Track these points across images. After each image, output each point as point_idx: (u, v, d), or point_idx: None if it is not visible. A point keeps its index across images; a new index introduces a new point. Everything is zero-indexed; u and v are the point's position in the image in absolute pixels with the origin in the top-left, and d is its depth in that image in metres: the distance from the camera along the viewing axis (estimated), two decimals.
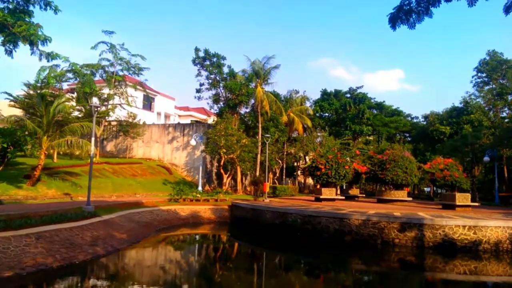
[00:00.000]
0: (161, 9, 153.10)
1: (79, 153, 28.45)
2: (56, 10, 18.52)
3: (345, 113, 51.59)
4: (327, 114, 54.09)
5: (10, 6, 17.70)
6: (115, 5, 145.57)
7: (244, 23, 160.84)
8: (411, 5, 6.17)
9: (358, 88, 54.23)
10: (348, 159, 27.57)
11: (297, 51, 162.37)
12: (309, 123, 43.58)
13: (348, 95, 54.15)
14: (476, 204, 23.80)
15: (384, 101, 56.69)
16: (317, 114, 52.41)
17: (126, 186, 27.17)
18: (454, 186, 24.06)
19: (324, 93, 54.99)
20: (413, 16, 6.23)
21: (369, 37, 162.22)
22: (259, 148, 34.36)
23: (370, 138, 55.74)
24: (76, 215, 13.00)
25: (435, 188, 49.59)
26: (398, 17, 6.28)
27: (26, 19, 17.49)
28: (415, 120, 60.93)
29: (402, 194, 27.35)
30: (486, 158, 33.25)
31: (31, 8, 18.43)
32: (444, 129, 48.64)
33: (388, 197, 27.58)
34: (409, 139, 59.78)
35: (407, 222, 14.56)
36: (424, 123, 57.07)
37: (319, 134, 48.50)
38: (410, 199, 29.64)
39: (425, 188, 62.62)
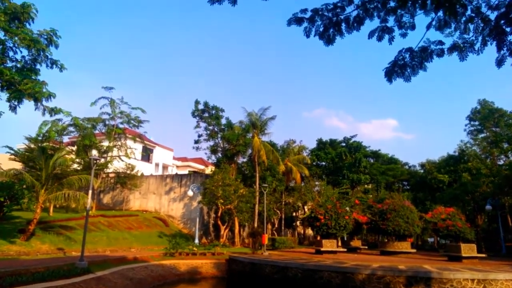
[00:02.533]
0: (160, 64, 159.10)
1: (75, 206, 28.00)
2: (61, 68, 19.27)
3: (342, 162, 51.83)
4: (324, 163, 54.32)
5: (18, 65, 18.42)
6: (117, 60, 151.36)
7: (240, 75, 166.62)
8: (405, 60, 6.46)
9: (352, 137, 55.06)
10: (347, 209, 27.25)
11: (292, 102, 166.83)
12: (306, 172, 43.59)
13: (344, 144, 54.78)
14: (483, 255, 23.14)
15: (379, 150, 57.32)
16: (314, 163, 52.59)
17: (121, 240, 26.41)
18: (458, 237, 23.57)
19: (320, 142, 55.66)
20: (408, 70, 6.49)
21: (361, 87, 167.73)
22: (257, 198, 34.01)
23: (368, 187, 55.53)
24: (68, 271, 12.51)
25: (438, 239, 48.51)
26: (394, 71, 6.54)
27: (33, 77, 18.15)
28: (412, 169, 61.16)
29: (405, 246, 26.69)
30: (488, 207, 32.93)
31: (38, 66, 19.22)
32: (443, 178, 48.67)
33: (392, 248, 26.87)
34: (407, 187, 59.56)
35: (413, 276, 14.05)
36: (422, 171, 57.22)
37: (317, 183, 48.31)
38: (414, 250, 28.89)
39: (429, 239, 61.29)
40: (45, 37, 19.05)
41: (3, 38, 17.80)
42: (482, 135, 48.98)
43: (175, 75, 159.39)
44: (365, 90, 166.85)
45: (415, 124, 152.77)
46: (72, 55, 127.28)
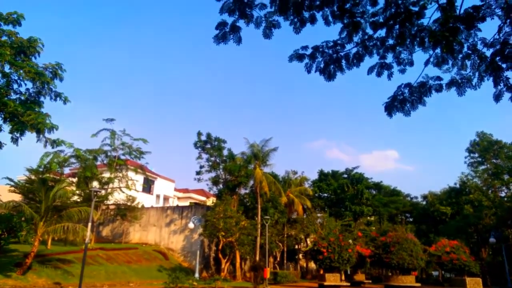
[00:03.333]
0: (162, 96, 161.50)
1: (74, 239, 27.58)
2: (65, 101, 19.64)
3: (344, 193, 51.48)
4: (326, 195, 53.93)
5: (22, 98, 18.76)
6: (119, 91, 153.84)
7: (242, 106, 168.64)
8: (405, 95, 6.60)
9: (354, 168, 54.97)
10: (350, 241, 26.80)
11: (293, 132, 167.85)
12: (308, 203, 43.18)
13: (345, 176, 54.61)
14: None
15: (381, 181, 57.06)
16: (316, 195, 52.20)
17: (119, 273, 25.79)
18: (463, 270, 23.03)
19: (322, 173, 55.52)
20: (408, 105, 6.61)
21: (361, 119, 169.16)
22: (259, 230, 33.50)
23: (371, 219, 54.83)
24: None
25: (443, 272, 47.31)
26: (394, 106, 6.65)
27: (36, 109, 18.43)
28: (414, 200, 60.67)
29: (410, 280, 26.00)
30: (492, 240, 32.40)
31: (41, 98, 19.56)
32: (445, 210, 48.19)
33: (396, 283, 26.16)
34: (410, 219, 58.81)
35: None
36: (424, 203, 56.72)
37: (319, 215, 47.73)
38: (419, 284, 28.10)
39: (433, 272, 59.78)
40: (50, 70, 19.54)
41: (8, 71, 18.26)
42: (483, 167, 48.93)
43: (178, 106, 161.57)
44: (366, 121, 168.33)
45: (416, 155, 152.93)
46: (74, 86, 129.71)
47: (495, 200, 44.32)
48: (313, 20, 5.49)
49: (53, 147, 21.49)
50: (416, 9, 6.18)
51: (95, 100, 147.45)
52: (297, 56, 5.96)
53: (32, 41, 18.56)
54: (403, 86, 6.50)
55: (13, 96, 19.11)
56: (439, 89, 6.29)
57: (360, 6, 5.73)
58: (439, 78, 6.28)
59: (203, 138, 37.41)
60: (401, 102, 6.56)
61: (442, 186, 63.20)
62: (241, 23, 5.44)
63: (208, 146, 37.58)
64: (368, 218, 53.75)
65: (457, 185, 50.85)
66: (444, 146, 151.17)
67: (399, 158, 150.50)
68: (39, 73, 18.01)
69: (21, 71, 17.95)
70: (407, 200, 59.02)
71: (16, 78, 18.72)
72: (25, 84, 18.97)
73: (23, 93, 19.26)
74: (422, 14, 6.21)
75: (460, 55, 6.39)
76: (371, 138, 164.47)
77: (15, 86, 18.94)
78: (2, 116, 18.38)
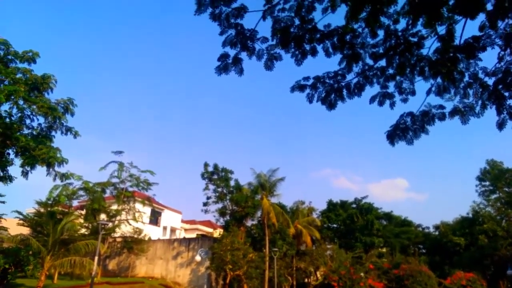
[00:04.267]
0: (168, 127, 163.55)
1: (80, 273, 27.22)
2: (75, 135, 20.05)
3: (353, 224, 50.48)
4: (335, 225, 52.92)
5: (34, 132, 19.21)
6: (126, 123, 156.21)
7: (247, 135, 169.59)
8: (407, 124, 6.64)
9: (363, 198, 54.15)
10: (362, 274, 26.06)
11: (299, 162, 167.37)
12: (317, 235, 42.29)
13: (354, 206, 53.78)
14: None
15: (391, 211, 55.97)
16: (325, 225, 51.25)
17: None
18: None
19: (330, 203, 54.78)
20: (410, 134, 6.64)
21: (367, 147, 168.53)
22: (267, 263, 32.74)
23: (382, 250, 53.38)
24: None
25: None
26: (396, 135, 6.68)
27: (47, 144, 18.81)
28: (426, 231, 59.18)
29: None
30: (510, 272, 31.23)
31: (53, 133, 20.00)
32: (459, 240, 46.85)
33: None
34: (423, 251, 57.12)
35: None
36: (436, 233, 55.29)
37: (328, 246, 46.64)
38: None
39: None
40: (62, 105, 20.09)
41: (22, 106, 18.82)
42: (495, 195, 47.92)
43: (184, 137, 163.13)
44: (373, 150, 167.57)
45: (426, 184, 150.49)
46: (82, 119, 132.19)
47: (509, 230, 43.07)
48: (314, 52, 5.66)
49: (62, 181, 21.76)
50: (416, 39, 6.34)
51: (102, 131, 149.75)
52: (299, 87, 6.12)
53: (46, 78, 19.23)
54: (405, 115, 6.56)
55: (26, 131, 19.63)
56: (442, 117, 6.34)
57: (360, 38, 5.92)
58: (441, 107, 6.35)
59: (210, 169, 37.48)
60: (403, 131, 6.58)
61: (454, 216, 61.82)
62: (243, 55, 5.64)
63: (215, 176, 37.57)
64: (380, 249, 52.33)
65: (470, 215, 49.66)
66: (454, 174, 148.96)
67: (408, 187, 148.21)
68: (51, 108, 18.53)
69: (34, 107, 18.48)
70: (419, 231, 57.58)
71: (29, 113, 19.29)
72: (38, 119, 19.50)
73: (35, 128, 19.75)
74: (422, 45, 6.36)
75: (462, 84, 6.47)
76: (379, 167, 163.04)
77: (28, 121, 19.47)
78: (14, 150, 18.79)
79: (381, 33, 5.98)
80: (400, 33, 6.24)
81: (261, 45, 5.54)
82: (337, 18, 5.74)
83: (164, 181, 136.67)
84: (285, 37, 5.35)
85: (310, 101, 6.19)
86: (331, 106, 6.30)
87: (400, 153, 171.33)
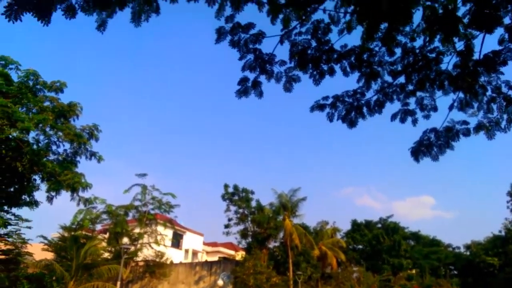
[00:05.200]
0: (191, 147, 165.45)
1: None
2: (99, 160, 20.56)
3: (380, 245, 48.93)
4: (360, 246, 51.46)
5: (60, 158, 19.82)
6: (148, 145, 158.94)
7: (268, 155, 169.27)
8: (431, 140, 6.46)
9: (388, 217, 52.70)
10: None
11: (321, 180, 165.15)
12: (342, 257, 41.12)
13: (380, 225, 52.31)
14: None
15: (419, 231, 54.17)
16: (350, 247, 49.89)
17: None
18: None
19: (355, 224, 53.49)
20: (435, 150, 6.45)
21: (390, 163, 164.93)
22: (291, 287, 31.94)
23: (412, 272, 51.32)
24: None
25: None
26: (420, 151, 6.51)
27: (72, 169, 19.35)
28: (456, 251, 56.72)
29: None
30: None
31: (77, 158, 20.58)
32: (492, 261, 44.58)
33: None
34: (454, 272, 54.56)
35: None
36: (468, 253, 52.84)
37: (354, 269, 45.21)
38: None
39: None
40: (87, 131, 20.74)
41: (49, 133, 19.53)
42: None
43: (205, 158, 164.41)
44: (396, 166, 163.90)
45: (453, 201, 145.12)
46: (105, 141, 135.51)
47: None
48: (332, 72, 5.66)
49: (85, 205, 22.20)
50: (434, 55, 6.24)
51: (124, 153, 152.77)
52: (318, 106, 6.10)
53: (72, 106, 19.98)
54: (428, 131, 6.41)
55: (52, 157, 20.29)
56: (466, 133, 6.14)
57: (377, 56, 5.88)
58: (465, 123, 6.17)
59: (230, 190, 37.43)
60: (427, 147, 6.43)
61: (485, 234, 59.04)
62: (262, 78, 5.71)
63: (236, 197, 37.45)
64: (409, 271, 50.37)
65: (502, 233, 47.38)
66: (483, 190, 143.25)
67: (435, 204, 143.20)
68: (77, 135, 19.11)
69: (61, 133, 19.14)
70: (449, 251, 55.25)
71: (56, 139, 19.98)
72: (63, 145, 20.15)
73: (61, 153, 20.40)
74: (440, 60, 6.24)
75: (485, 98, 6.28)
76: (404, 184, 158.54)
77: (54, 147, 20.15)
78: (40, 176, 19.37)
79: (398, 50, 5.93)
80: (417, 50, 6.17)
81: (279, 67, 5.62)
82: (354, 38, 5.74)
83: (186, 203, 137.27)
84: (302, 59, 5.40)
85: (331, 120, 6.16)
86: (351, 124, 6.24)
87: (425, 169, 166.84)
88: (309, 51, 5.45)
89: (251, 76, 5.78)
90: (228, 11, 5.01)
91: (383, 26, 4.73)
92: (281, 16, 5.13)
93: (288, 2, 4.73)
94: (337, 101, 6.19)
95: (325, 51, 5.42)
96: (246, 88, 5.81)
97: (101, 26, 4.61)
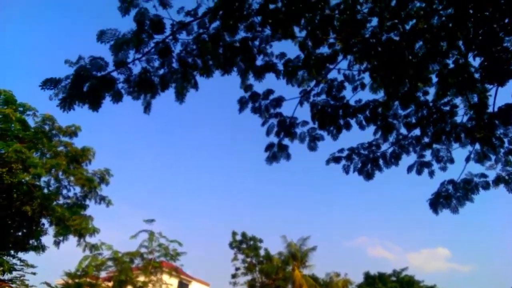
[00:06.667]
0: (198, 193, 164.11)
1: None
2: (108, 204, 20.54)
3: None
4: None
5: (70, 202, 19.84)
6: (154, 191, 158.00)
7: (277, 202, 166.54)
8: (449, 191, 6.35)
9: (403, 270, 50.30)
10: None
11: (332, 229, 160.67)
12: None
13: (394, 278, 49.97)
14: None
15: (435, 285, 51.38)
16: None
17: None
18: None
19: (367, 276, 51.20)
20: (454, 202, 6.31)
21: (405, 214, 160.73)
22: None
23: None
24: None
25: None
26: (439, 203, 6.37)
27: (81, 212, 19.30)
28: None
29: None
30: None
31: (87, 201, 20.58)
32: None
33: None
34: None
35: None
36: None
37: None
38: None
39: None
40: (99, 176, 20.89)
41: (60, 177, 19.70)
42: None
43: (212, 204, 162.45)
44: (410, 216, 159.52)
45: (470, 254, 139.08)
46: (114, 185, 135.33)
47: None
48: (348, 127, 5.76)
49: (92, 251, 21.82)
50: (448, 108, 6.30)
51: (131, 197, 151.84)
52: (334, 159, 6.12)
53: (85, 150, 20.31)
54: (446, 182, 6.33)
55: (62, 201, 20.29)
56: (486, 186, 6.04)
57: (392, 109, 5.97)
58: (484, 175, 6.08)
59: (238, 237, 36.62)
60: (446, 199, 6.32)
61: None
62: (286, 140, 5.87)
63: (244, 246, 36.51)
64: None
65: None
66: (501, 242, 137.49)
67: (451, 257, 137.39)
68: (89, 180, 19.23)
69: (72, 178, 19.29)
70: None
71: (67, 183, 20.10)
72: (74, 189, 20.23)
73: (71, 197, 20.42)
74: (455, 113, 6.30)
75: (502, 150, 6.24)
76: (418, 235, 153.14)
77: (65, 191, 20.24)
78: (49, 220, 19.27)
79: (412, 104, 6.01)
80: (431, 103, 6.25)
81: (302, 128, 5.76)
82: (367, 91, 5.86)
83: (192, 250, 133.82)
84: (323, 119, 5.53)
85: (347, 172, 6.15)
86: (368, 176, 6.21)
87: (441, 220, 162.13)
88: (327, 109, 5.59)
89: (276, 140, 5.93)
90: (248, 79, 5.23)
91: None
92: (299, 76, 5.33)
93: (303, 65, 4.93)
94: (352, 154, 6.20)
95: (340, 106, 5.55)
96: (274, 154, 5.91)
97: (147, 108, 4.85)
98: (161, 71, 4.73)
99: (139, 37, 4.38)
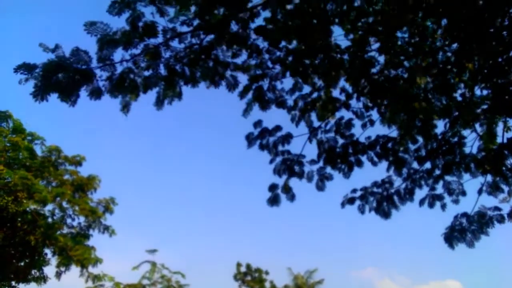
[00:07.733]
0: (200, 223, 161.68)
1: None
2: (111, 234, 20.35)
3: None
4: None
5: (73, 231, 19.66)
6: (155, 221, 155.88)
7: (283, 231, 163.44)
8: (463, 225, 6.18)
9: None
10: None
11: (339, 260, 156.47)
12: None
13: None
14: None
15: None
16: None
17: None
18: None
19: None
20: (469, 235, 6.13)
21: (413, 245, 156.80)
22: None
23: None
24: None
25: None
26: (454, 237, 6.19)
27: (84, 242, 19.06)
28: None
29: None
30: None
31: (90, 231, 20.39)
32: None
33: None
34: None
35: None
36: None
37: None
38: None
39: None
40: (103, 205, 20.80)
41: (65, 206, 19.60)
42: None
43: (216, 235, 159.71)
44: (419, 248, 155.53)
45: (482, 284, 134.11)
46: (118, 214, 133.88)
47: None
48: (359, 164, 5.68)
49: (94, 283, 21.33)
50: (456, 139, 6.27)
51: (135, 226, 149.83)
52: (348, 200, 5.99)
53: (91, 178, 20.36)
54: (459, 216, 6.19)
55: (65, 230, 20.08)
56: (501, 220, 5.89)
57: (402, 144, 5.94)
58: (497, 209, 5.95)
59: (243, 269, 35.74)
60: (460, 232, 6.14)
61: None
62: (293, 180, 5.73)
63: (249, 278, 35.58)
64: None
65: None
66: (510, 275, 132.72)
67: None
68: (92, 211, 19.19)
69: (77, 208, 19.20)
70: None
71: (71, 213, 19.98)
72: (78, 218, 20.09)
73: (75, 226, 20.23)
74: (463, 144, 6.26)
75: None
76: (427, 266, 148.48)
77: (69, 220, 20.09)
78: (52, 250, 18.99)
79: (421, 138, 6.00)
80: (439, 136, 6.23)
81: (310, 166, 5.65)
82: (376, 126, 5.86)
83: (195, 282, 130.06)
84: (331, 155, 5.45)
85: (362, 212, 6.01)
86: (386, 215, 6.04)
87: (450, 251, 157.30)
88: (337, 148, 5.53)
89: (280, 181, 5.79)
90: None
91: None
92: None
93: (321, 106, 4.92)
94: (366, 193, 6.09)
95: (350, 143, 5.51)
96: (276, 196, 5.71)
97: (125, 107, 4.80)
98: (146, 73, 4.63)
99: (129, 38, 4.29)
